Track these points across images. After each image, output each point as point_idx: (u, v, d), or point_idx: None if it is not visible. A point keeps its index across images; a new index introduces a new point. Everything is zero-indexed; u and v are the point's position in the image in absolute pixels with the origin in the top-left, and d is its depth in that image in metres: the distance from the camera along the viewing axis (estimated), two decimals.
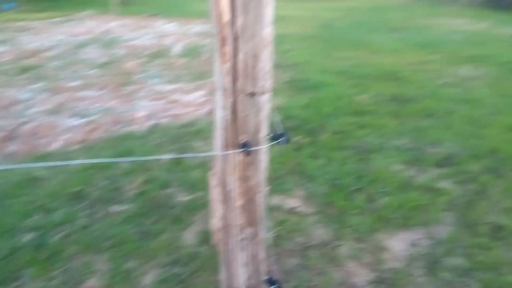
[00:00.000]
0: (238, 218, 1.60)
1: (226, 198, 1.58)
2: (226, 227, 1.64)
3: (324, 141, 4.89)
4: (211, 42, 11.02)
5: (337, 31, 15.06)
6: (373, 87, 7.40)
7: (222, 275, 1.76)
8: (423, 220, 3.40)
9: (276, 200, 3.71)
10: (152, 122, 5.83)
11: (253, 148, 1.49)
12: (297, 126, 5.37)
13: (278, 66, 9.36)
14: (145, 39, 12.64)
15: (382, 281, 2.75)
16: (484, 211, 3.50)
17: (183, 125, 5.64)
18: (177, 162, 4.43)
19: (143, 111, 6.31)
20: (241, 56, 1.42)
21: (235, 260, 1.69)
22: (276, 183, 3.97)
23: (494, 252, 2.99)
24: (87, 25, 15.00)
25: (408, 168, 4.31)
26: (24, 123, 5.66)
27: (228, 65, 1.40)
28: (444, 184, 3.96)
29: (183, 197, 3.77)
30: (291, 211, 3.55)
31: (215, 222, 1.67)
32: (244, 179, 1.55)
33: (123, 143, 4.98)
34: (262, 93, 1.49)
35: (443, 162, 4.40)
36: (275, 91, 7.09)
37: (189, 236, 3.21)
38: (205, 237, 3.22)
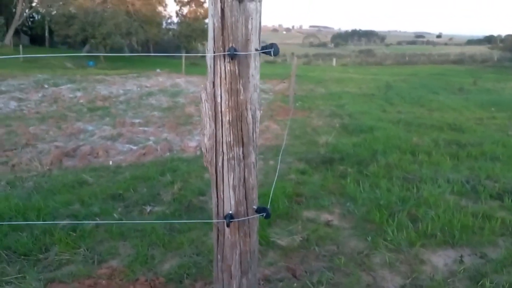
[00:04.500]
0: (226, 135, 1.57)
1: (215, 113, 1.56)
2: (215, 145, 1.59)
3: (371, 171, 4.70)
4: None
5: (396, 91, 14.96)
6: (431, 134, 7.13)
7: (213, 200, 1.68)
8: (472, 241, 3.07)
9: (311, 214, 3.57)
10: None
11: (238, 53, 1.48)
12: (344, 158, 5.25)
13: (334, 115, 9.40)
14: None
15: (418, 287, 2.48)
16: None
17: None
18: None
19: (195, 142, 6.54)
20: None
21: (223, 182, 1.62)
22: (314, 201, 3.84)
23: None
24: (157, 80, 16.23)
25: (460, 198, 3.99)
26: (84, 145, 6.07)
27: None
28: (500, 214, 3.59)
29: None
30: (326, 224, 3.38)
31: (205, 141, 1.63)
32: (233, 92, 1.52)
33: (170, 164, 5.14)
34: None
35: (501, 195, 4.03)
36: (327, 132, 7.09)
37: None
38: None
